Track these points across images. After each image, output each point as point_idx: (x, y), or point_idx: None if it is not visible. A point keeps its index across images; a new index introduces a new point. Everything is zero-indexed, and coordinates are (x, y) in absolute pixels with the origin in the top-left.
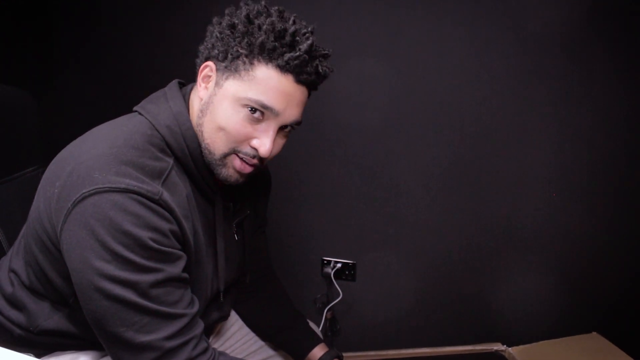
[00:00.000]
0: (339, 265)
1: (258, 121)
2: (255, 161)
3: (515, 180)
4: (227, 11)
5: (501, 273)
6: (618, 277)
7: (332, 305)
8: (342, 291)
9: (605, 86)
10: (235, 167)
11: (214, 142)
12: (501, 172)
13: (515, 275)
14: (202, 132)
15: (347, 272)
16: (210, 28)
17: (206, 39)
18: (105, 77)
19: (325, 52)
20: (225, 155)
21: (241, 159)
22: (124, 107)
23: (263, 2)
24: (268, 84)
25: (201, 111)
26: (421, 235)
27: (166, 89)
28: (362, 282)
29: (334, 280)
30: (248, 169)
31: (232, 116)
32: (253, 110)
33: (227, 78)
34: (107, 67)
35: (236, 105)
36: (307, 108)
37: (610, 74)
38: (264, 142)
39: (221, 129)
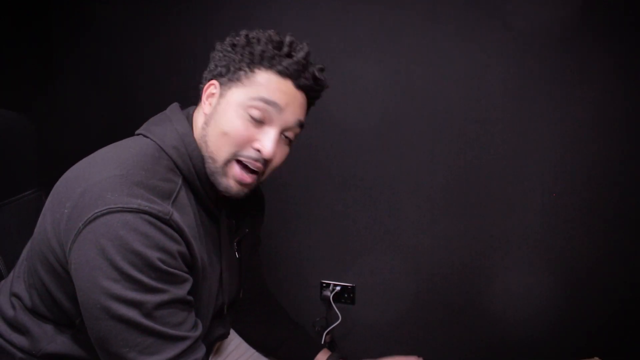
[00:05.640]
0: (338, 288)
1: (261, 124)
2: (258, 165)
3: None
4: (227, 38)
5: (503, 290)
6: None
7: (331, 329)
8: (341, 314)
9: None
10: (236, 177)
11: (218, 148)
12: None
13: (516, 291)
14: (206, 142)
15: (346, 295)
16: (212, 54)
17: (209, 64)
18: (104, 101)
19: (321, 66)
20: (228, 162)
21: (243, 164)
22: (122, 129)
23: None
24: (269, 85)
25: (205, 123)
26: (421, 257)
27: (167, 111)
28: (362, 305)
29: (333, 304)
30: (247, 179)
31: (235, 120)
32: (256, 114)
33: (229, 88)
34: (106, 91)
35: (239, 109)
36: (306, 129)
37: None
38: (266, 144)
39: (224, 133)
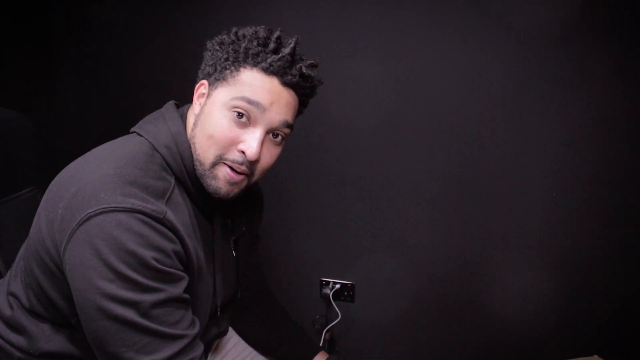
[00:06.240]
0: (337, 286)
1: (245, 125)
2: (243, 168)
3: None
4: (217, 36)
5: (502, 287)
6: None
7: (331, 327)
8: (340, 312)
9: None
10: (225, 176)
11: (204, 150)
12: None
13: (516, 291)
14: (194, 144)
15: (346, 293)
16: (204, 53)
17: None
18: (104, 100)
19: (312, 61)
20: (214, 164)
21: (230, 167)
22: (121, 128)
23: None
24: (253, 83)
25: (194, 124)
26: (421, 255)
27: (163, 110)
28: (361, 303)
29: (332, 301)
30: (237, 178)
31: (219, 121)
32: (240, 115)
33: (216, 88)
34: (106, 91)
35: (223, 109)
36: (305, 128)
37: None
38: (250, 144)
39: (210, 136)
